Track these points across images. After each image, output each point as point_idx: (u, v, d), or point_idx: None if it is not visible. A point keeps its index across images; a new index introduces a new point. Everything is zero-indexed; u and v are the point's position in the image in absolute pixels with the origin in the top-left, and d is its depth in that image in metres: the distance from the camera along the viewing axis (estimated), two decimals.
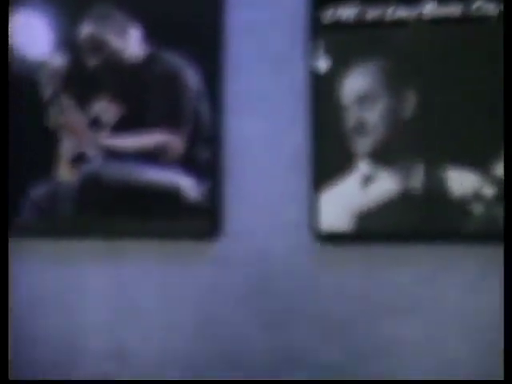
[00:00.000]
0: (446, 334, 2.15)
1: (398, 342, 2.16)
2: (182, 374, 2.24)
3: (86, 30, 2.27)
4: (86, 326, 2.28)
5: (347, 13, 2.23)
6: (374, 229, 2.20)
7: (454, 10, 2.19)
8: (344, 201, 2.20)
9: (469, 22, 2.17)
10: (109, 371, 2.26)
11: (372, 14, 2.22)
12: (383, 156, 2.20)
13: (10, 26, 2.29)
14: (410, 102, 2.19)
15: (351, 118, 2.21)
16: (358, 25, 2.21)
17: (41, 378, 2.26)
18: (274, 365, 2.22)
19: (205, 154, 2.23)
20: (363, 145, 2.21)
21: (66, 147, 2.29)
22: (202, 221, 2.23)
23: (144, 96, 2.25)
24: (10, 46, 2.29)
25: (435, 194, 2.17)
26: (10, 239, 2.25)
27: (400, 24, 2.20)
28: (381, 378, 2.15)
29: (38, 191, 2.30)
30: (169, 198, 2.24)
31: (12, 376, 2.25)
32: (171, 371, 2.24)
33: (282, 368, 2.21)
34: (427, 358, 2.15)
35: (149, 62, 2.27)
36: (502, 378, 0.60)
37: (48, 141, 2.30)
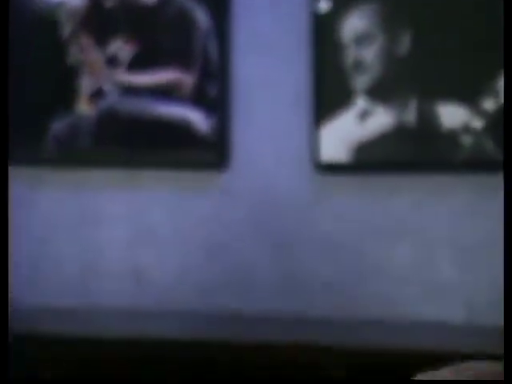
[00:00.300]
0: (435, 254, 2.33)
1: (393, 263, 2.34)
2: (195, 294, 2.42)
3: None
4: (103, 249, 2.46)
5: None
6: (371, 160, 2.37)
7: None
8: (343, 134, 2.37)
9: None
10: (125, 292, 2.44)
11: None
12: (379, 92, 2.36)
13: None
14: (405, 42, 2.36)
15: (350, 56, 2.38)
16: None
17: (57, 304, 2.43)
18: (278, 285, 2.40)
19: (214, 90, 2.40)
20: (361, 82, 2.37)
21: (85, 83, 2.46)
22: (211, 153, 2.40)
23: (157, 35, 2.42)
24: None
25: (428, 126, 2.34)
26: (11, 168, 2.42)
27: None
28: (377, 296, 2.34)
29: (58, 125, 2.47)
30: (180, 131, 2.41)
31: (24, 301, 2.43)
32: (185, 294, 2.42)
33: (286, 287, 2.40)
34: (419, 277, 2.34)
35: (162, 3, 2.43)
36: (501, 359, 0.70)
37: (68, 77, 2.46)
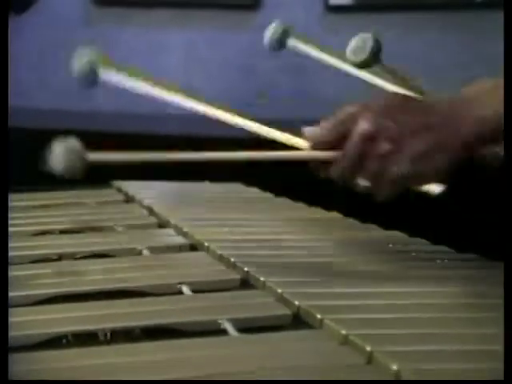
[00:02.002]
0: (416, 75, 3.11)
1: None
2: (235, 106, 3.23)
3: None
4: (165, 72, 3.28)
5: None
6: (370, 3, 3.17)
7: None
8: None
9: None
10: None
11: None
12: None
13: None
14: None
15: None
16: None
17: (132, 108, 3.25)
18: (296, 101, 3.21)
19: None
20: None
21: None
22: None
23: None
24: None
25: None
26: None
27: None
28: None
29: None
30: None
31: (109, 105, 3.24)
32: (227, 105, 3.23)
33: (302, 102, 3.20)
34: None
35: None
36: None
37: None
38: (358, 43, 1.22)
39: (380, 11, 3.15)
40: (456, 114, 0.93)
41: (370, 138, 0.91)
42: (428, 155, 0.91)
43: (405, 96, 1.00)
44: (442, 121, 0.92)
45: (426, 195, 1.08)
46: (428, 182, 1.02)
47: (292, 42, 1.35)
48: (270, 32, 1.38)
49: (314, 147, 0.97)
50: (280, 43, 1.36)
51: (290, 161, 0.99)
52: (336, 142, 0.94)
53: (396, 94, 1.03)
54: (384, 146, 0.91)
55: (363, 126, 0.91)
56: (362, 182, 0.94)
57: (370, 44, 1.21)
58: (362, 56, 1.23)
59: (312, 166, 0.98)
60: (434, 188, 1.08)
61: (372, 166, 0.91)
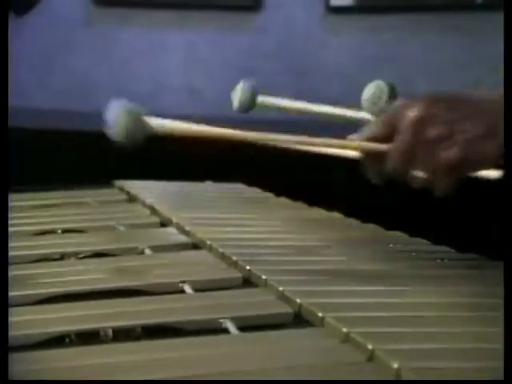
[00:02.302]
0: (416, 76, 3.12)
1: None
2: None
3: None
4: (166, 72, 3.28)
5: None
6: (371, 3, 3.18)
7: None
8: None
9: None
10: (182, 103, 3.27)
11: None
12: None
13: None
14: None
15: None
16: None
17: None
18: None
19: None
20: None
21: None
22: None
23: None
24: None
25: None
26: None
27: None
28: None
29: None
30: None
31: None
32: (227, 104, 3.23)
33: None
34: (402, 94, 3.13)
35: None
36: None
37: None
38: (375, 92, 1.18)
39: (380, 12, 3.16)
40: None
41: (421, 124, 0.90)
42: (481, 139, 0.90)
43: (454, 91, 0.97)
44: (492, 106, 0.92)
45: (486, 181, 1.06)
46: (483, 167, 1.00)
47: (261, 99, 1.27)
48: (239, 95, 1.31)
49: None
50: (251, 103, 1.29)
51: (341, 150, 1.02)
52: (388, 136, 0.93)
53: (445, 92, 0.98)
54: (436, 131, 0.90)
55: (413, 112, 0.91)
56: (418, 175, 0.92)
57: (386, 93, 1.18)
58: (380, 105, 1.20)
59: (364, 164, 0.96)
60: (493, 173, 1.06)
61: (426, 153, 0.90)
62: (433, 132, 0.90)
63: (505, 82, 0.91)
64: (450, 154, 0.89)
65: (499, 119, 0.89)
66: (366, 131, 0.96)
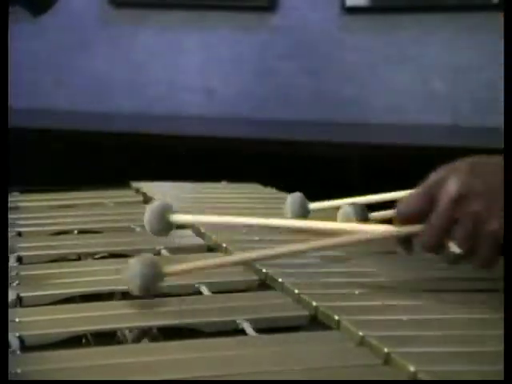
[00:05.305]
0: (431, 76, 3.12)
1: (399, 81, 3.13)
2: (251, 104, 3.24)
3: None
4: (184, 72, 3.29)
5: None
6: (385, 4, 3.17)
7: None
8: None
9: None
10: (199, 103, 3.28)
11: None
12: None
13: None
14: None
15: None
16: None
17: (150, 110, 3.26)
18: (312, 101, 3.21)
19: None
20: None
21: None
22: None
23: None
24: None
25: None
26: None
27: None
28: (387, 106, 3.13)
29: None
30: None
31: (126, 107, 3.25)
32: (243, 104, 3.24)
33: (317, 102, 3.20)
34: (417, 91, 3.13)
35: None
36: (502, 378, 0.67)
37: None
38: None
39: (396, 13, 3.15)
40: None
41: (460, 200, 0.90)
42: None
43: (484, 156, 0.96)
44: None
45: None
46: None
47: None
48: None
49: (408, 219, 0.95)
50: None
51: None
52: (427, 208, 0.93)
53: (477, 157, 0.97)
54: (476, 205, 0.90)
55: (452, 188, 0.91)
56: (454, 250, 0.92)
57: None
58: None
59: (400, 242, 0.97)
60: None
61: (466, 227, 0.90)
62: (473, 206, 0.90)
63: (505, 81, 0.91)
64: (493, 225, 0.89)
65: None
66: (405, 209, 0.95)
